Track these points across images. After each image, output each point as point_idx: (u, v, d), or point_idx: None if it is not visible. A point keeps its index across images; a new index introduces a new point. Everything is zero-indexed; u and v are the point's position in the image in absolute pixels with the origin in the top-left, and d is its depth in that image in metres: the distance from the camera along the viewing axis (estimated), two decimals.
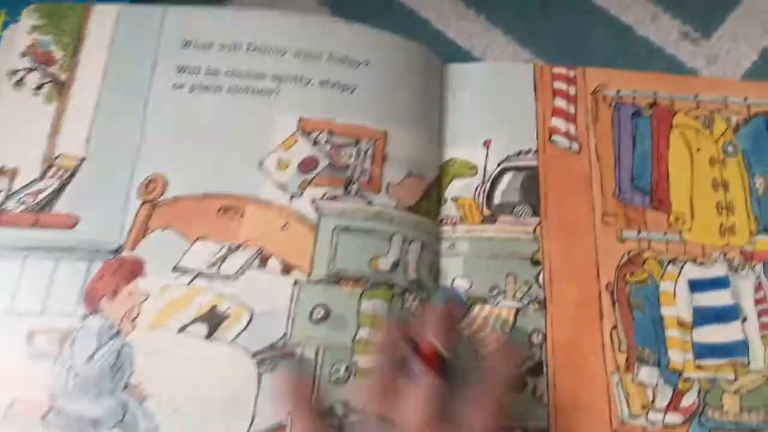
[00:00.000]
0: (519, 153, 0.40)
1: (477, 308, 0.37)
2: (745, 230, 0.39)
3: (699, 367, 0.36)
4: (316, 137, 0.38)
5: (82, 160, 0.38)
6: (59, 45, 0.41)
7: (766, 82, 0.43)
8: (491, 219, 0.39)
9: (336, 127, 0.39)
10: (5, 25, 0.42)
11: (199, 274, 0.36)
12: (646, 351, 0.36)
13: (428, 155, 0.39)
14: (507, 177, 0.40)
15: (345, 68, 0.40)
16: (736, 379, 0.36)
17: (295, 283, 0.36)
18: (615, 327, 0.36)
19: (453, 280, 0.37)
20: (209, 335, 0.34)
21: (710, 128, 0.41)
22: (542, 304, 0.37)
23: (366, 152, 0.38)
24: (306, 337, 0.35)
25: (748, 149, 0.41)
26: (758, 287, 0.38)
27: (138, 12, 0.41)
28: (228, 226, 0.37)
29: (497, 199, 0.39)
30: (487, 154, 0.40)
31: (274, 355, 0.34)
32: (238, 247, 0.36)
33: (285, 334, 0.35)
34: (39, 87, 0.40)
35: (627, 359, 0.36)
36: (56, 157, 0.38)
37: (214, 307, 0.35)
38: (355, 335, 0.35)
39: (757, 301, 0.37)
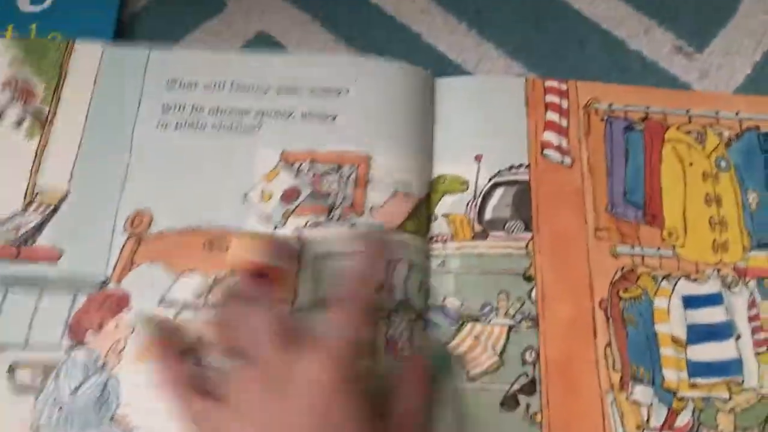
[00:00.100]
0: (511, 167, 0.40)
1: (469, 326, 0.36)
2: (738, 246, 0.39)
3: (693, 386, 0.36)
4: (299, 167, 0.39)
5: (66, 194, 0.38)
6: (40, 80, 0.41)
7: (758, 97, 0.42)
8: (483, 235, 0.38)
9: (318, 156, 0.39)
10: None
11: (185, 306, 0.36)
12: (641, 369, 0.36)
13: (416, 173, 0.39)
14: (498, 192, 0.39)
15: (326, 98, 0.40)
16: (730, 398, 0.35)
17: None
18: (609, 344, 0.36)
19: (444, 298, 0.37)
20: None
21: (702, 143, 0.41)
22: (535, 321, 0.36)
23: (348, 177, 0.38)
24: None
25: (740, 164, 0.40)
26: (752, 304, 0.37)
27: (123, 50, 0.42)
28: (213, 259, 0.37)
29: (488, 214, 0.39)
30: (478, 169, 0.40)
31: None
32: (224, 277, 0.36)
33: None
34: (19, 122, 0.40)
35: (621, 377, 0.35)
36: (38, 192, 0.38)
37: (200, 338, 0.35)
38: None
39: (751, 318, 0.37)
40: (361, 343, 0.31)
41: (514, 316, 0.37)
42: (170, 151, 0.39)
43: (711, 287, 0.38)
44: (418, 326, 0.36)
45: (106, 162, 0.39)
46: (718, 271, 0.38)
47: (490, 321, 0.36)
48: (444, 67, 0.44)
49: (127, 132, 0.40)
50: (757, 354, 0.36)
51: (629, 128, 0.41)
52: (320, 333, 0.30)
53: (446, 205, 0.39)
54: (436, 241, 0.38)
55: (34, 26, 0.43)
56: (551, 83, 0.42)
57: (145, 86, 0.41)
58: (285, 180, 0.39)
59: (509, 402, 0.35)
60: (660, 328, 0.37)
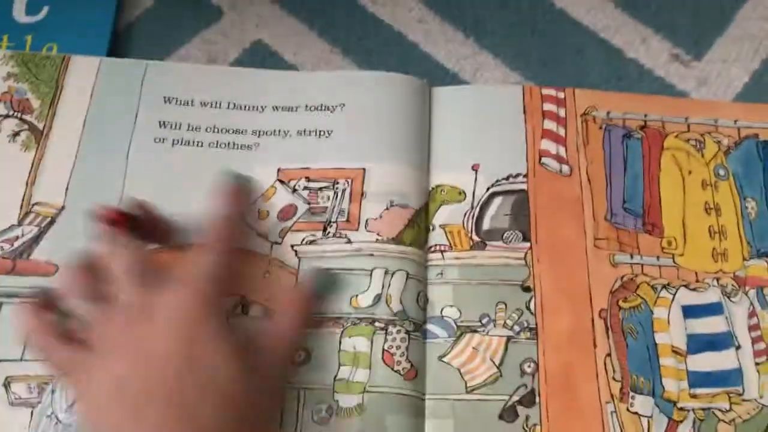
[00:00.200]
0: (508, 177, 0.40)
1: (467, 338, 0.36)
2: (738, 255, 0.38)
3: (694, 396, 0.35)
4: (295, 185, 0.39)
5: (62, 208, 0.38)
6: (36, 94, 0.41)
7: (756, 105, 0.42)
8: (481, 245, 0.38)
9: (313, 172, 0.39)
10: None
11: None
12: (641, 379, 0.35)
13: (413, 183, 0.39)
14: (496, 202, 0.39)
15: (321, 115, 0.40)
16: (730, 409, 0.35)
17: None
18: (609, 354, 0.36)
19: (442, 309, 0.37)
20: None
21: (701, 151, 0.41)
22: (534, 332, 0.36)
23: (343, 192, 0.38)
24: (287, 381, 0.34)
25: (739, 172, 0.40)
26: (751, 314, 0.37)
27: (119, 65, 0.42)
28: None
29: (486, 224, 0.39)
30: (476, 179, 0.39)
31: None
32: None
33: None
34: (15, 134, 0.40)
35: (621, 388, 0.35)
36: (34, 204, 0.38)
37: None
38: (336, 375, 0.34)
39: (751, 328, 0.37)
40: (224, 279, 0.31)
41: (512, 327, 0.36)
42: (166, 167, 0.39)
43: (711, 296, 0.37)
44: (415, 338, 0.36)
45: (102, 176, 0.39)
46: (718, 280, 0.38)
47: (488, 332, 0.36)
48: (441, 76, 0.44)
49: (123, 146, 0.40)
50: (757, 364, 0.36)
51: (628, 136, 0.41)
52: (183, 272, 0.31)
53: (444, 215, 0.39)
54: (434, 251, 0.38)
55: (29, 37, 0.43)
56: (549, 91, 0.42)
57: (142, 101, 0.41)
58: (282, 198, 0.39)
59: (508, 414, 0.35)
60: (660, 338, 0.36)
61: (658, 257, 0.38)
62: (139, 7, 0.46)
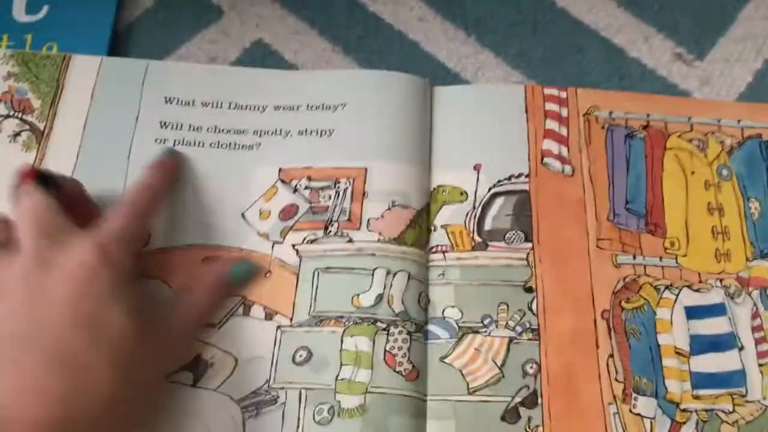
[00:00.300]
0: (510, 177, 0.39)
1: (469, 338, 0.36)
2: (741, 256, 0.38)
3: (697, 398, 0.35)
4: (296, 184, 0.39)
5: None
6: (37, 93, 0.41)
7: (759, 105, 0.42)
8: (482, 246, 0.38)
9: (315, 172, 0.39)
10: None
11: None
12: (644, 380, 0.35)
13: (415, 183, 0.39)
14: (498, 202, 0.39)
15: (322, 114, 0.40)
16: (733, 410, 0.35)
17: (278, 328, 0.36)
18: (611, 355, 0.36)
19: (444, 310, 0.36)
20: (195, 383, 0.34)
21: (704, 151, 0.41)
22: (536, 333, 0.36)
23: (345, 191, 0.38)
24: (289, 381, 0.34)
25: (742, 172, 0.40)
26: (755, 315, 0.37)
27: (120, 65, 0.42)
28: None
29: (488, 225, 0.38)
30: (477, 179, 0.39)
31: (257, 401, 0.34)
32: None
33: (268, 380, 0.34)
34: (16, 134, 0.40)
35: (624, 389, 0.35)
36: None
37: (199, 355, 0.35)
38: (338, 374, 0.34)
39: (754, 329, 0.37)
40: (129, 241, 0.32)
41: (514, 327, 0.36)
42: None
43: (714, 297, 0.37)
44: (417, 338, 0.36)
45: (103, 176, 0.39)
46: (721, 281, 0.38)
47: (490, 333, 0.36)
48: (442, 75, 0.44)
49: (124, 146, 0.39)
50: (761, 365, 0.36)
51: (630, 136, 0.41)
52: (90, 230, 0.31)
53: (445, 215, 0.38)
54: (436, 252, 0.38)
55: (29, 37, 0.43)
56: (551, 91, 0.42)
57: (143, 100, 0.41)
58: (283, 197, 0.38)
59: (510, 415, 0.34)
60: (663, 339, 0.36)
61: (660, 258, 0.38)
62: (139, 7, 0.46)
